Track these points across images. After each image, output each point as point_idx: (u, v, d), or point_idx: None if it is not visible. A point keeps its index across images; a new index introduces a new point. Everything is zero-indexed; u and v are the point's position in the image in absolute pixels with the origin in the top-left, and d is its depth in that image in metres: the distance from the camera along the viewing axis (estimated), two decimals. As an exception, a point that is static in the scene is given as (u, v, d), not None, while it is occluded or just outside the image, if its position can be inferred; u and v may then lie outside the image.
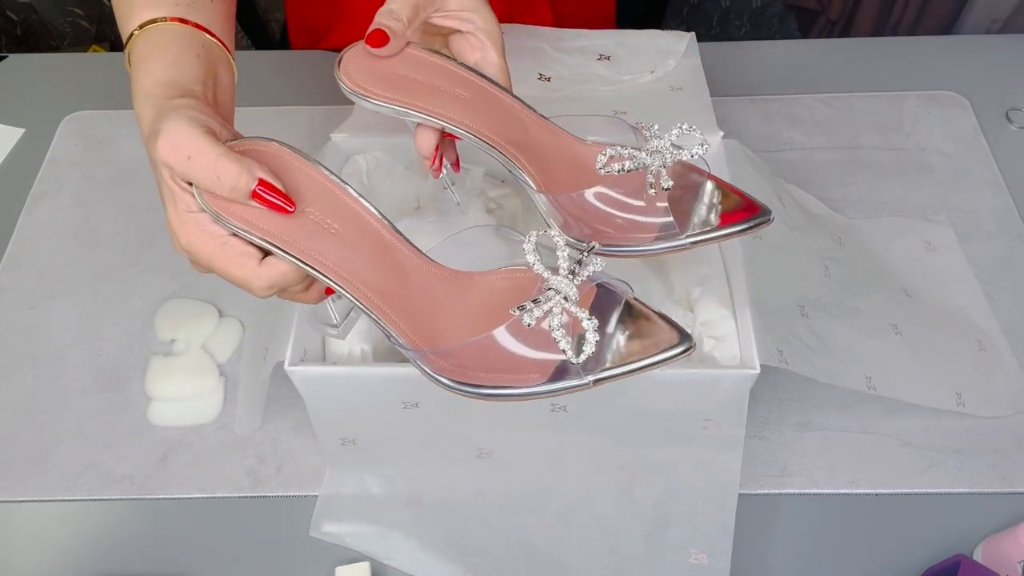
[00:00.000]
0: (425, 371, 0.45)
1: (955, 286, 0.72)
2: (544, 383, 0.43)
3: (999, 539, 0.57)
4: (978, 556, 0.58)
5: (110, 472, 0.64)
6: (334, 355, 0.59)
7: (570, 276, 0.43)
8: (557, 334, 0.42)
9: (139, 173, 0.83)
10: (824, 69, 0.90)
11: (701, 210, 0.50)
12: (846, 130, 0.85)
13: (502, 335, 0.43)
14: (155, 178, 0.45)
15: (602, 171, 0.49)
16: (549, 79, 0.76)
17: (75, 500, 0.63)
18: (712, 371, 0.55)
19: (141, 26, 0.49)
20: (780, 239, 0.63)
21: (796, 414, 0.66)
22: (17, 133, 0.87)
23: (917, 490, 0.62)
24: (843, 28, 1.51)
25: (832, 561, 0.59)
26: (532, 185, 0.52)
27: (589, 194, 0.51)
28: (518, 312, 0.41)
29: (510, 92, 0.54)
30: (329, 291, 0.47)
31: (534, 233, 0.44)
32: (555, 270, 0.43)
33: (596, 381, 0.43)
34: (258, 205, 0.43)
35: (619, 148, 0.49)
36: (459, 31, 0.54)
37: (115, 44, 1.72)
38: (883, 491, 0.62)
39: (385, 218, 0.47)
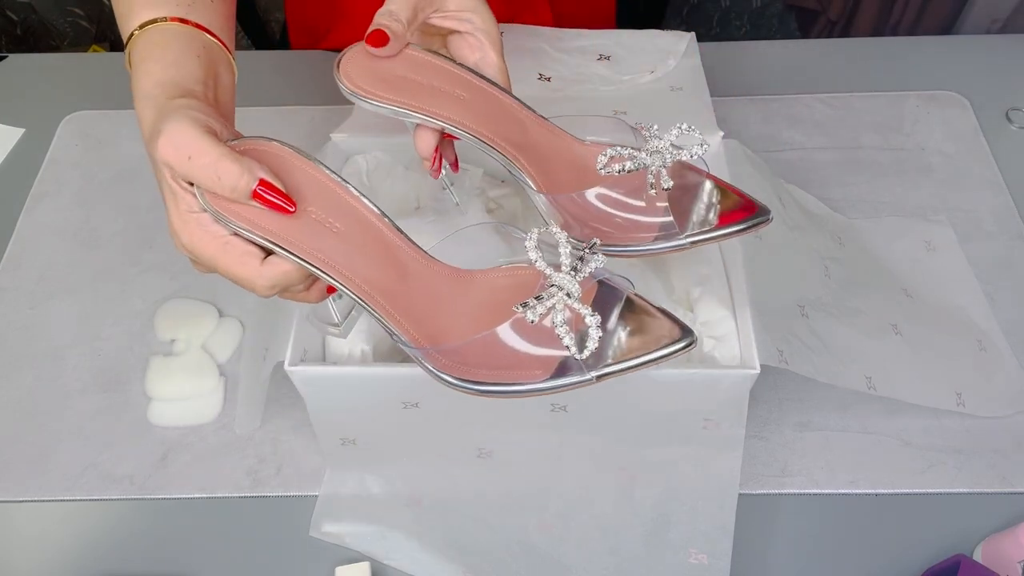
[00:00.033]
0: (429, 369, 0.45)
1: (955, 286, 0.72)
2: (547, 379, 0.43)
3: (999, 539, 0.57)
4: (978, 556, 0.58)
5: (110, 472, 0.64)
6: (334, 355, 0.59)
7: (572, 272, 0.43)
8: (561, 330, 0.42)
9: (139, 173, 0.83)
10: (824, 69, 0.90)
11: (701, 210, 0.51)
12: (846, 130, 0.85)
13: (505, 332, 0.43)
14: (156, 178, 0.45)
15: (602, 172, 0.49)
16: (549, 79, 0.76)
17: (75, 500, 0.63)
18: (712, 371, 0.54)
19: (141, 26, 0.49)
20: (780, 239, 0.63)
21: (796, 414, 0.66)
22: (17, 133, 0.87)
23: (917, 490, 0.62)
24: (843, 28, 1.51)
25: (832, 561, 0.59)
26: (532, 185, 0.52)
27: (589, 194, 0.51)
28: (521, 309, 0.42)
29: (509, 92, 0.54)
30: (331, 290, 0.48)
31: (536, 230, 0.44)
32: (557, 267, 0.43)
33: (599, 377, 0.43)
34: (259, 205, 0.43)
35: (619, 148, 0.49)
36: (458, 31, 0.54)
37: (115, 44, 1.72)
38: (883, 491, 0.62)
39: (386, 216, 0.47)
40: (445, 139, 0.54)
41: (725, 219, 0.50)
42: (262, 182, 0.43)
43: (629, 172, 0.49)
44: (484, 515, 0.61)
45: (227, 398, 0.68)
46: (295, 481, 0.63)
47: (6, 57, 0.94)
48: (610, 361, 0.43)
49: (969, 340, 0.68)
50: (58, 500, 0.63)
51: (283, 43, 1.06)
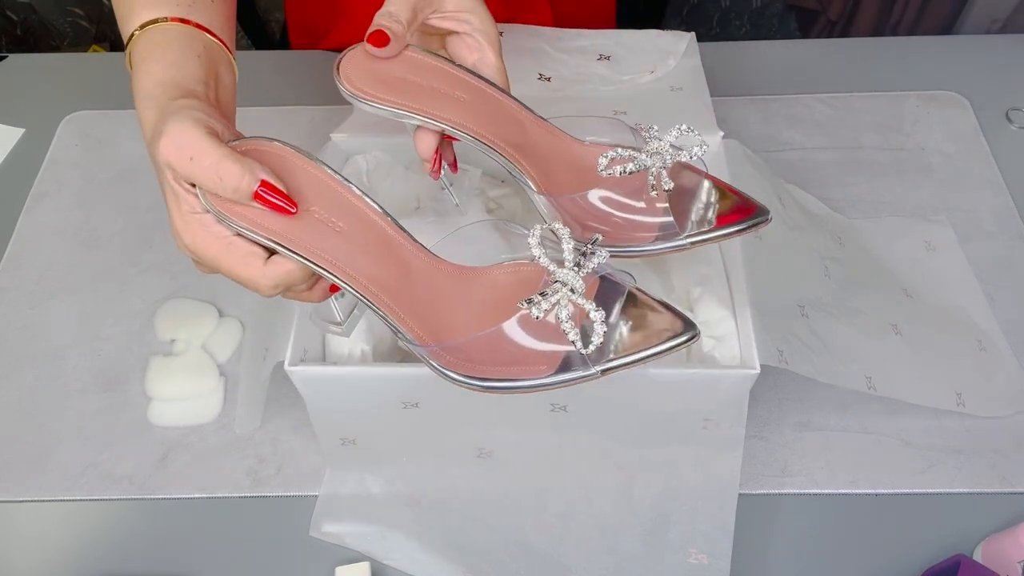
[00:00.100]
0: (433, 366, 0.45)
1: (955, 286, 0.72)
2: (552, 375, 0.44)
3: (999, 539, 0.57)
4: (978, 556, 0.58)
5: (110, 472, 0.64)
6: (334, 355, 0.59)
7: (575, 268, 0.43)
8: (566, 326, 0.42)
9: (139, 173, 0.83)
10: (824, 69, 0.90)
11: (700, 210, 0.51)
12: (846, 130, 0.85)
13: (510, 328, 0.44)
14: (158, 179, 0.45)
15: (603, 173, 0.49)
16: (549, 79, 0.76)
17: (75, 500, 0.63)
18: (712, 371, 0.55)
19: (142, 26, 0.49)
20: (780, 239, 0.63)
21: (796, 414, 0.66)
22: (17, 133, 0.87)
23: (917, 490, 0.62)
24: (843, 28, 1.51)
25: (832, 561, 0.59)
26: (532, 186, 0.52)
27: (589, 195, 0.51)
28: (526, 305, 0.42)
29: (508, 93, 0.54)
30: (333, 289, 0.48)
31: (538, 227, 0.44)
32: (560, 263, 0.43)
33: (604, 371, 0.43)
34: (260, 206, 0.43)
35: (620, 150, 0.49)
36: (456, 32, 0.54)
37: (115, 44, 1.72)
38: (883, 491, 0.62)
39: (388, 215, 0.47)
40: (445, 140, 0.54)
41: (724, 219, 0.50)
42: (263, 183, 0.43)
43: (630, 174, 0.49)
44: (483, 515, 0.61)
45: (227, 398, 0.68)
46: (295, 481, 0.63)
47: (6, 57, 0.94)
48: (614, 355, 0.43)
49: (969, 340, 0.68)
50: (58, 500, 0.63)
51: (283, 43, 1.06)
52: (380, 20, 0.51)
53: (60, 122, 0.88)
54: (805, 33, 1.65)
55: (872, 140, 0.84)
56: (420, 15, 0.52)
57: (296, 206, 0.44)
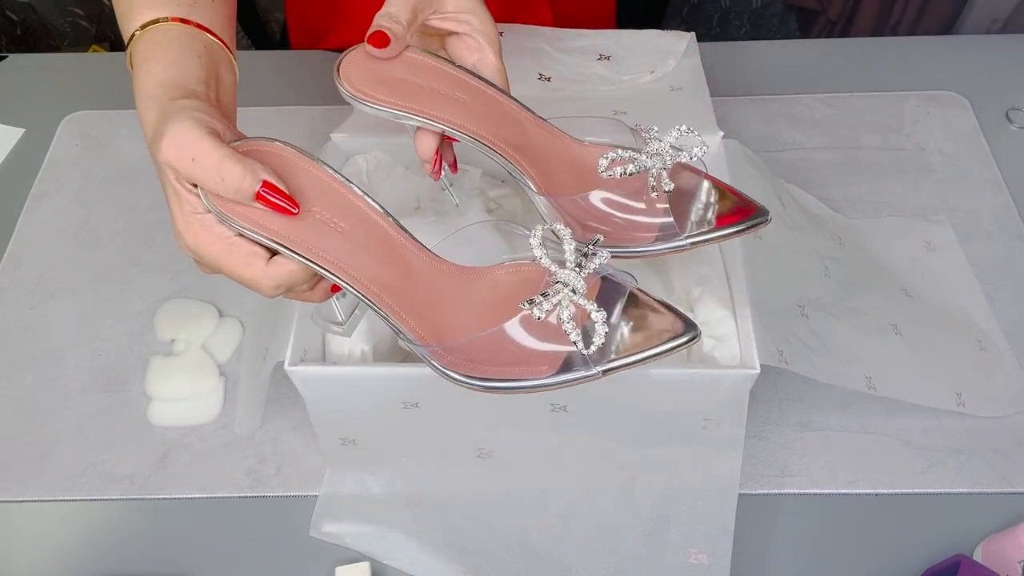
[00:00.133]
0: (435, 366, 0.45)
1: (955, 286, 0.72)
2: (553, 375, 0.44)
3: (999, 539, 0.57)
4: (978, 556, 0.58)
5: (110, 472, 0.64)
6: (334, 355, 0.59)
7: (577, 269, 0.43)
8: (568, 326, 0.42)
9: (139, 173, 0.83)
10: (824, 69, 0.90)
11: (700, 211, 0.51)
12: (846, 130, 0.85)
13: (511, 328, 0.44)
14: (159, 179, 0.45)
15: (604, 175, 0.49)
16: (549, 79, 0.76)
17: (75, 500, 0.63)
18: (712, 371, 0.55)
19: (143, 27, 0.49)
20: (780, 239, 0.63)
21: (796, 414, 0.66)
22: (17, 133, 0.87)
23: (917, 490, 0.62)
24: (843, 28, 1.51)
25: (832, 561, 0.59)
26: (532, 187, 0.52)
27: (589, 196, 0.51)
28: (528, 306, 0.42)
29: (508, 94, 0.54)
30: (335, 289, 0.48)
31: (540, 227, 0.44)
32: (561, 263, 0.43)
33: (605, 371, 0.43)
34: (262, 207, 0.43)
35: (620, 151, 0.49)
36: (456, 33, 0.54)
37: (115, 44, 1.72)
38: (883, 491, 0.62)
39: (390, 215, 0.47)
40: (445, 141, 0.54)
41: (724, 220, 0.50)
42: (265, 183, 0.43)
43: (630, 175, 0.49)
44: (484, 515, 0.61)
45: (227, 398, 0.68)
46: (295, 481, 0.63)
47: (6, 57, 0.94)
48: (615, 356, 0.43)
49: (969, 340, 0.68)
50: (58, 500, 0.63)
51: (283, 43, 1.06)
52: (380, 21, 0.51)
53: (60, 122, 0.88)
54: (805, 33, 1.65)
55: (872, 140, 0.84)
56: (420, 16, 0.52)
57: (298, 207, 0.44)
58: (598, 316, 0.42)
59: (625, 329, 0.44)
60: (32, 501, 0.63)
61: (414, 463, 0.62)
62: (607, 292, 0.45)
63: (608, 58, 0.77)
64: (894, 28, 1.41)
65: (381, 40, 0.51)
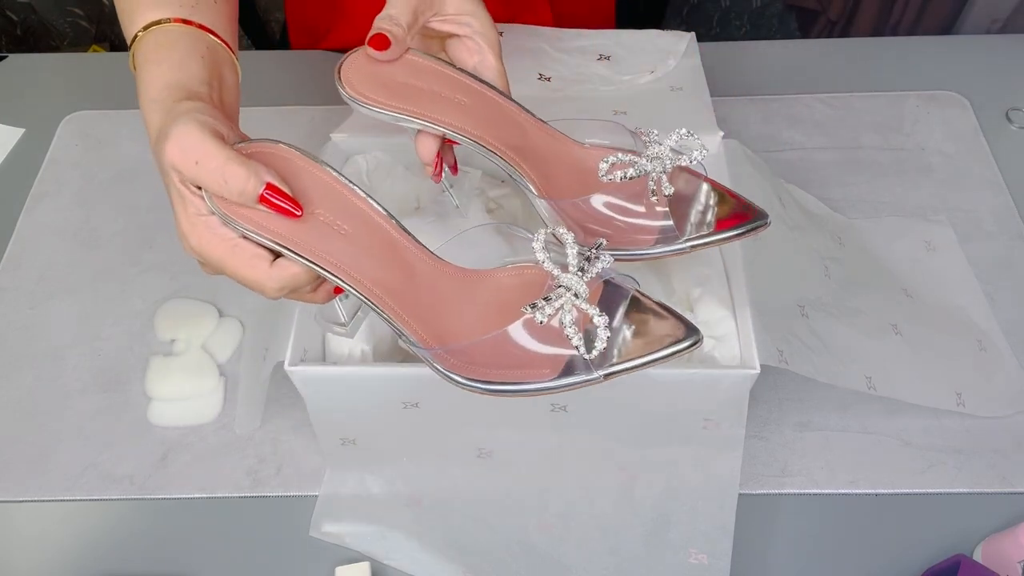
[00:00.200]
0: (437, 369, 0.45)
1: (955, 286, 0.73)
2: (555, 378, 0.44)
3: (999, 539, 0.57)
4: (978, 556, 0.58)
5: (110, 472, 0.64)
6: (334, 355, 0.59)
7: (579, 273, 0.43)
8: (570, 331, 0.42)
9: (139, 173, 0.83)
10: (824, 69, 0.90)
11: (699, 214, 0.51)
12: (846, 130, 0.85)
13: (514, 332, 0.44)
14: (163, 181, 0.45)
15: (604, 179, 0.49)
16: (549, 79, 0.76)
17: (75, 500, 0.63)
18: (712, 371, 0.55)
19: (145, 27, 0.49)
20: (780, 239, 0.63)
21: (796, 414, 0.66)
22: (17, 133, 0.87)
23: (917, 490, 0.62)
24: (843, 28, 1.51)
25: (832, 561, 0.59)
26: (533, 190, 0.52)
27: (590, 199, 0.51)
28: (530, 310, 0.42)
29: (509, 96, 0.54)
30: (338, 290, 0.48)
31: (542, 231, 0.44)
32: (564, 267, 0.43)
33: (607, 376, 0.43)
34: (266, 209, 0.43)
35: (620, 155, 0.49)
36: (456, 35, 0.54)
37: (115, 44, 1.72)
38: (883, 491, 0.62)
39: (393, 217, 0.47)
40: (445, 144, 0.54)
41: (724, 223, 0.50)
42: (269, 186, 0.43)
43: (630, 179, 0.49)
44: (484, 515, 0.61)
45: (227, 398, 0.68)
46: (295, 481, 0.63)
47: (6, 57, 0.94)
48: (617, 360, 0.43)
49: (969, 340, 0.68)
50: (58, 500, 0.63)
51: (283, 43, 1.06)
52: (381, 24, 0.51)
53: (60, 122, 0.88)
54: (805, 33, 1.65)
55: (872, 140, 0.84)
56: (421, 18, 0.52)
57: (301, 209, 0.44)
58: (600, 321, 0.42)
59: (627, 333, 0.44)
60: (32, 501, 0.63)
61: (414, 463, 0.62)
62: (609, 296, 0.45)
63: (608, 58, 0.77)
64: (894, 28, 1.41)
65: (382, 43, 0.51)
